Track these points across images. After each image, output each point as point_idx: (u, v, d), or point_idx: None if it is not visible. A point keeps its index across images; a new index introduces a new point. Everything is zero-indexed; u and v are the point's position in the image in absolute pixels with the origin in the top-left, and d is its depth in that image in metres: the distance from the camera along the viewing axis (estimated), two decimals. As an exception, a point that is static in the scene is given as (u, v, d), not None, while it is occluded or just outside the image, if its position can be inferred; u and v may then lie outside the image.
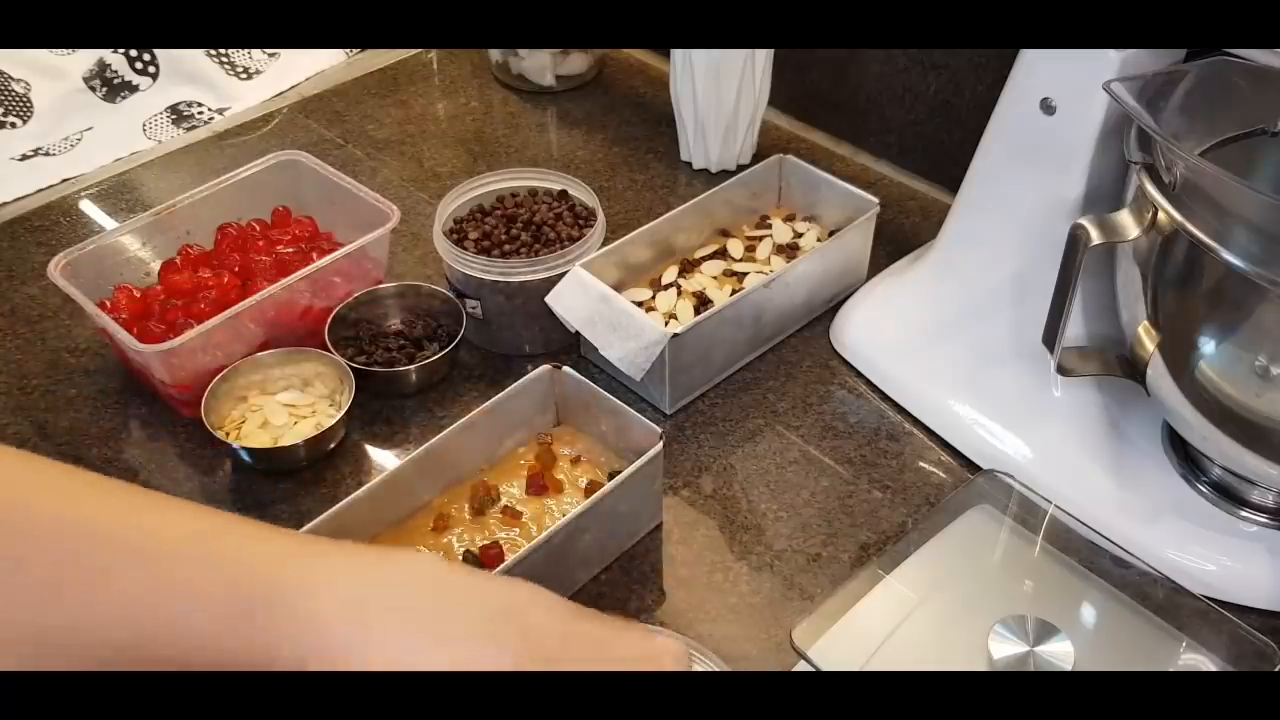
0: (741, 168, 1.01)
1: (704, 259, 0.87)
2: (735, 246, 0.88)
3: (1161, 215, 0.59)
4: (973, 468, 0.76)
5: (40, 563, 0.39)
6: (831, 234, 0.87)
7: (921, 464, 0.77)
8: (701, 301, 0.82)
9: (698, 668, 0.59)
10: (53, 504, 0.41)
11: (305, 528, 0.63)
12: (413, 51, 1.20)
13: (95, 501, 0.42)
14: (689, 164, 1.03)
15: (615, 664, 0.43)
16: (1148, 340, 0.65)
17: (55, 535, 0.40)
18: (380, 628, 0.40)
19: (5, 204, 0.99)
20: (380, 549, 0.52)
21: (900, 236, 0.94)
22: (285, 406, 0.77)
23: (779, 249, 0.88)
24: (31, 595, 0.39)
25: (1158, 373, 0.65)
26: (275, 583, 0.41)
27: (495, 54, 1.15)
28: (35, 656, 0.40)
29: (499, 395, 0.71)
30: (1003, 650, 0.61)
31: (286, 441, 0.74)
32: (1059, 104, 0.68)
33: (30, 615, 0.39)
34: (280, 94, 1.13)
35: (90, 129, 1.08)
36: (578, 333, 0.80)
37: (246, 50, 1.16)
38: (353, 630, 0.40)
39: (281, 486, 0.75)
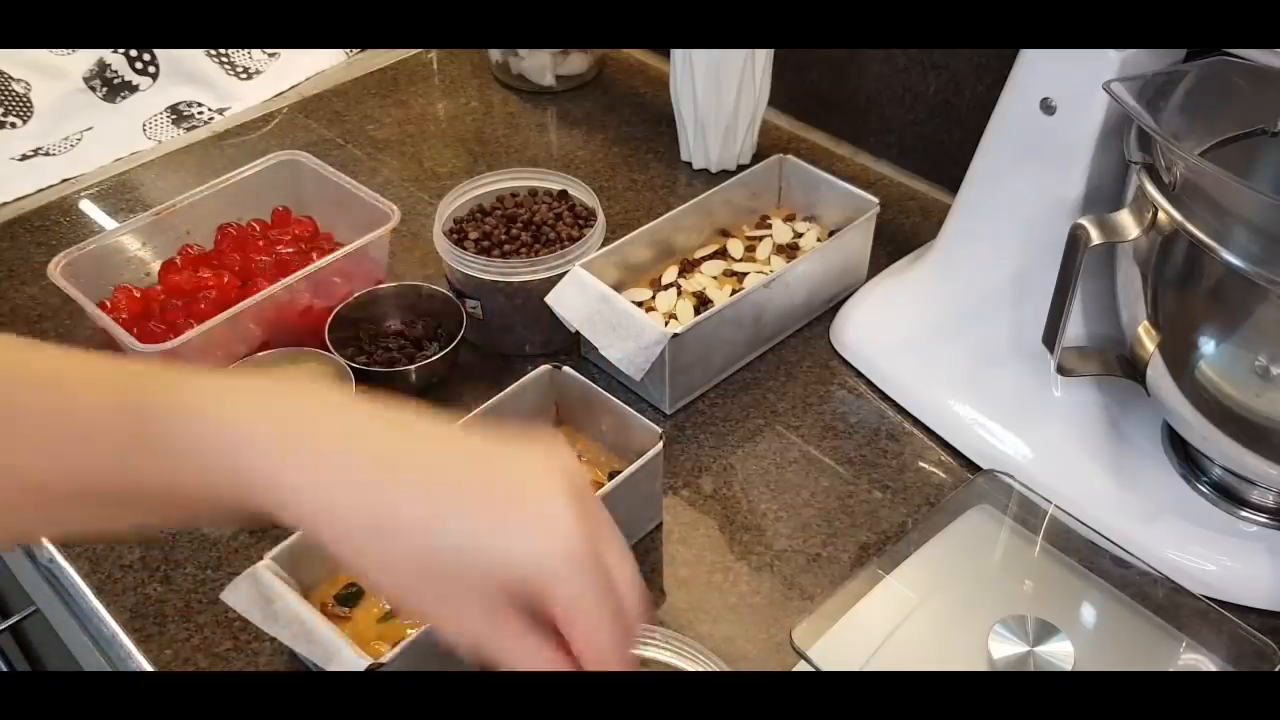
0: (741, 168, 1.01)
1: (704, 259, 0.87)
2: (735, 246, 0.88)
3: (1161, 215, 0.59)
4: (973, 468, 0.76)
5: None
6: (831, 234, 0.87)
7: (921, 464, 0.77)
8: (701, 301, 0.82)
9: (698, 668, 0.59)
10: None
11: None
12: (413, 51, 1.20)
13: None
14: (689, 164, 1.03)
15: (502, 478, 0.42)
16: (1148, 340, 0.65)
17: None
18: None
19: (5, 204, 0.99)
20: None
21: (900, 236, 0.94)
22: (285, 406, 0.77)
23: (779, 249, 0.88)
24: None
25: (1158, 373, 0.65)
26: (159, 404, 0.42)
27: (495, 54, 1.15)
28: None
29: (499, 395, 0.71)
30: (1003, 650, 0.61)
31: (286, 441, 0.74)
32: (1059, 104, 0.68)
33: None
34: (280, 94, 1.13)
35: (90, 129, 1.08)
36: (578, 333, 0.80)
37: (246, 50, 1.16)
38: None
39: (281, 486, 0.74)
